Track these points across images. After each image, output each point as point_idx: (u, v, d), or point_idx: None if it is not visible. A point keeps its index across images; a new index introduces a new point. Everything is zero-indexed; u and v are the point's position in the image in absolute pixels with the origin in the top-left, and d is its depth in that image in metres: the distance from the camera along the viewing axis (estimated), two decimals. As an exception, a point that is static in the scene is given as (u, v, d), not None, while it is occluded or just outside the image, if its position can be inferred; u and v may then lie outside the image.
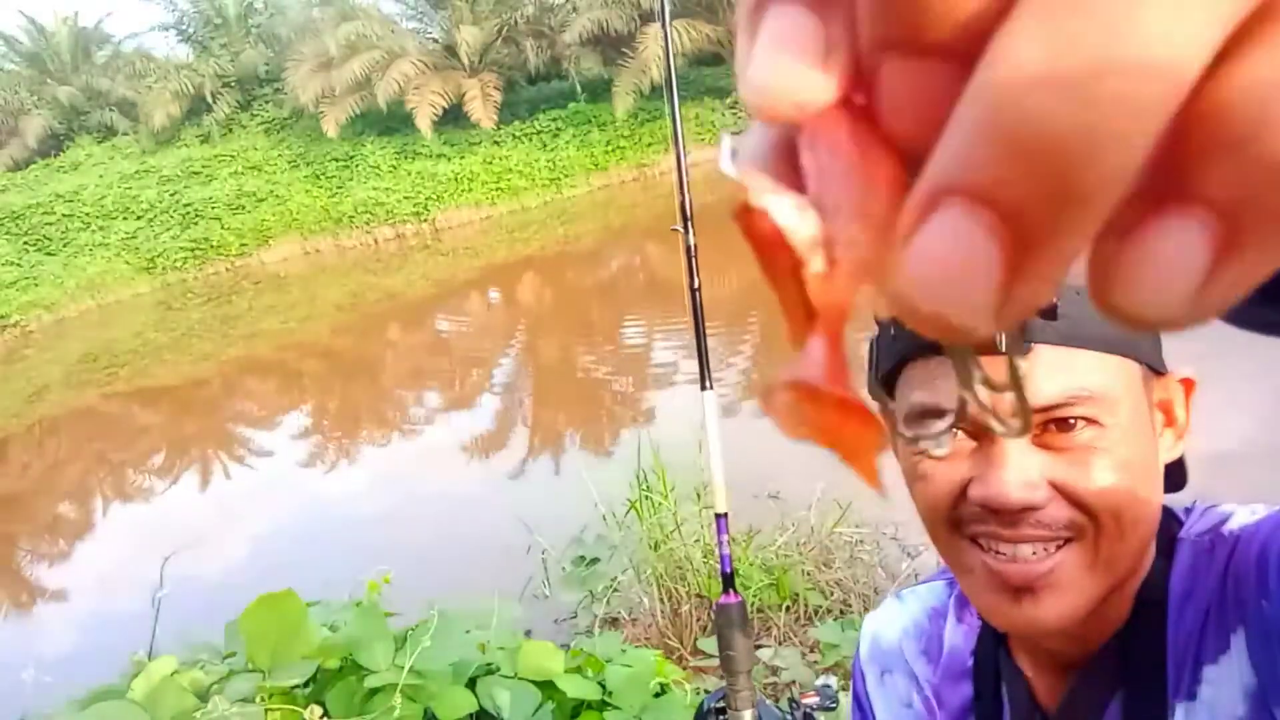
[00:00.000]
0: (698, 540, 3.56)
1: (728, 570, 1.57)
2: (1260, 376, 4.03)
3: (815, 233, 0.17)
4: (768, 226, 0.17)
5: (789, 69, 0.17)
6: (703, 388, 1.79)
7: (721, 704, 1.47)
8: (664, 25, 1.89)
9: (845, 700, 2.03)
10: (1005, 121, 0.13)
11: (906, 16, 0.15)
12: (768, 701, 1.48)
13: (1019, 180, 0.13)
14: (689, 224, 1.83)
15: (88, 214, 20.94)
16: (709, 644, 3.00)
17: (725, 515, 1.67)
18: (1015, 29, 0.13)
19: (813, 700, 1.37)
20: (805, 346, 0.18)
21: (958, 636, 0.74)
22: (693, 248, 1.81)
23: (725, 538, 1.62)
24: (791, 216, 0.17)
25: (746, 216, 0.18)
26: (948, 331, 0.15)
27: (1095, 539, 0.55)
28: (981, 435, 0.56)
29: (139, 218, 20.97)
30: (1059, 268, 0.15)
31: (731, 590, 1.53)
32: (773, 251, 0.17)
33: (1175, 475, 0.64)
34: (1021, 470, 0.54)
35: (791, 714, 1.40)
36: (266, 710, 1.66)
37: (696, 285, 1.80)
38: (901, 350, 0.60)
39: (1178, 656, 0.58)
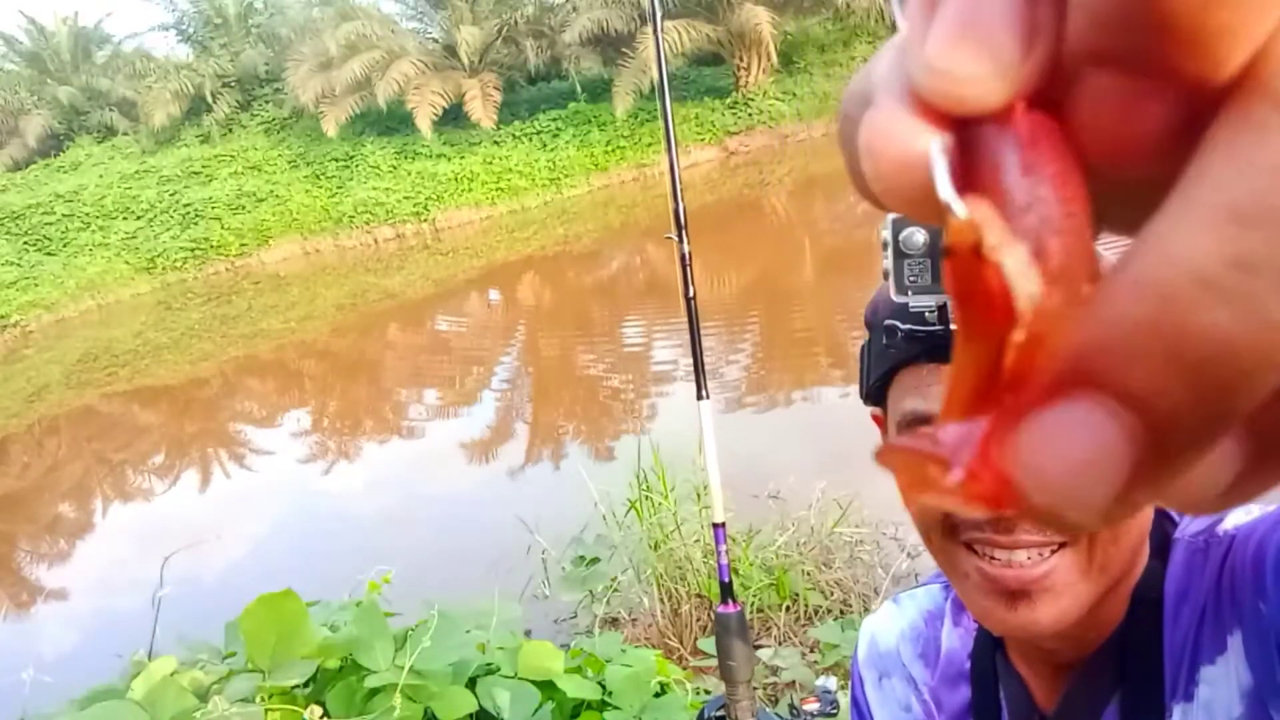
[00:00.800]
0: (698, 540, 3.56)
1: (726, 579, 1.57)
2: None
3: (1037, 292, 0.14)
4: (995, 281, 0.14)
5: (984, 49, 0.14)
6: (699, 397, 1.78)
7: (721, 712, 1.47)
8: (656, 34, 1.88)
9: (844, 701, 2.03)
10: (1174, 329, 0.12)
11: (1143, 32, 0.12)
12: (768, 710, 1.47)
13: (1177, 391, 0.12)
14: (683, 232, 1.83)
15: (88, 214, 20.93)
16: (709, 644, 3.00)
17: (723, 525, 1.66)
18: (1184, 222, 0.12)
19: (813, 706, 1.37)
20: (963, 421, 0.16)
21: (954, 640, 0.74)
22: (687, 256, 1.81)
23: (723, 547, 1.61)
24: (1024, 274, 0.14)
25: (972, 263, 0.14)
26: (1046, 520, 0.14)
27: (1089, 543, 0.55)
28: None
29: (139, 218, 20.95)
30: (1183, 474, 0.13)
31: (730, 599, 1.52)
32: (987, 309, 0.15)
33: None
34: None
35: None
36: (266, 710, 1.66)
37: (692, 294, 1.80)
38: (894, 358, 0.60)
39: (1174, 657, 0.58)
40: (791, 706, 1.38)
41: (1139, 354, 0.12)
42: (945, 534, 0.59)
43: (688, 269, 1.82)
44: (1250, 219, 0.11)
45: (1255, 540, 0.56)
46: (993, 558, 0.56)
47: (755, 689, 2.66)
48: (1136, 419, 0.13)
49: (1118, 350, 0.12)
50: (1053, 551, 0.55)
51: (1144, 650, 0.59)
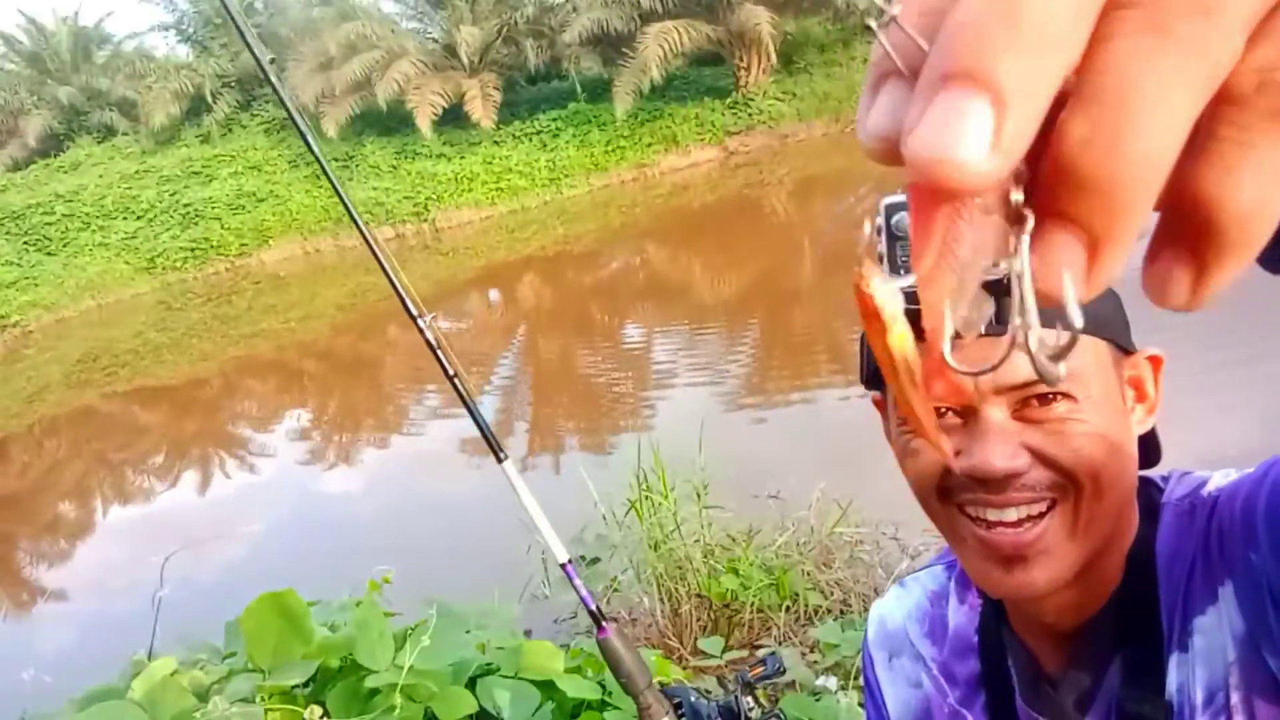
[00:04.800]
0: (698, 540, 3.56)
1: (591, 608, 1.60)
2: (1261, 382, 4.04)
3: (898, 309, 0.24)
4: (868, 303, 0.24)
5: (959, 145, 0.19)
6: (498, 460, 1.76)
7: None
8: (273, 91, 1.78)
9: (831, 688, 2.03)
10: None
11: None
12: (693, 699, 1.50)
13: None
14: (419, 320, 1.76)
15: (88, 214, 20.92)
16: (709, 644, 3.00)
17: (570, 562, 1.68)
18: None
19: (758, 672, 1.39)
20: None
21: (961, 616, 0.77)
22: (434, 341, 1.75)
23: (579, 582, 1.64)
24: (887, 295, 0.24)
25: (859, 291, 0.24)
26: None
27: (1076, 501, 0.59)
28: (967, 414, 0.60)
29: (139, 218, 20.94)
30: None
31: (601, 624, 1.56)
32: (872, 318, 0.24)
33: (1151, 452, 0.69)
34: (1003, 440, 0.58)
35: (734, 690, 1.42)
36: (266, 710, 1.66)
37: (453, 373, 1.76)
38: None
39: (1169, 612, 0.62)
40: (741, 681, 1.39)
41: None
42: (940, 497, 0.62)
43: (438, 352, 1.74)
44: None
45: (1242, 496, 0.60)
46: (986, 521, 0.60)
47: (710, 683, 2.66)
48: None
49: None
50: (1041, 514, 0.59)
51: (1141, 610, 0.63)
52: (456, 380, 1.71)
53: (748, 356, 7.56)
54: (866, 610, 3.15)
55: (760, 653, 1.33)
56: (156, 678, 1.77)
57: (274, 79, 1.70)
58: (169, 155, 22.71)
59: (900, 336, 0.24)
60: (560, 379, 8.37)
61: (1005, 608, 0.72)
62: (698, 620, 3.36)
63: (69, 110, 24.37)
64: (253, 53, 1.66)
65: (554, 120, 20.47)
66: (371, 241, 1.73)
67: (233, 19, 1.69)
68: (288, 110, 1.70)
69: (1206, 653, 0.59)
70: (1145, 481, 0.67)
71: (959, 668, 0.76)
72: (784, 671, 1.34)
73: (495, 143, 20.34)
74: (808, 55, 19.83)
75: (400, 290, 1.72)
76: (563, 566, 1.68)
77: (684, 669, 2.81)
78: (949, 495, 0.61)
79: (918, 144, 0.19)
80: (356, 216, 1.73)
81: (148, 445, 9.71)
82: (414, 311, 1.74)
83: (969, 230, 0.22)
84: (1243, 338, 4.33)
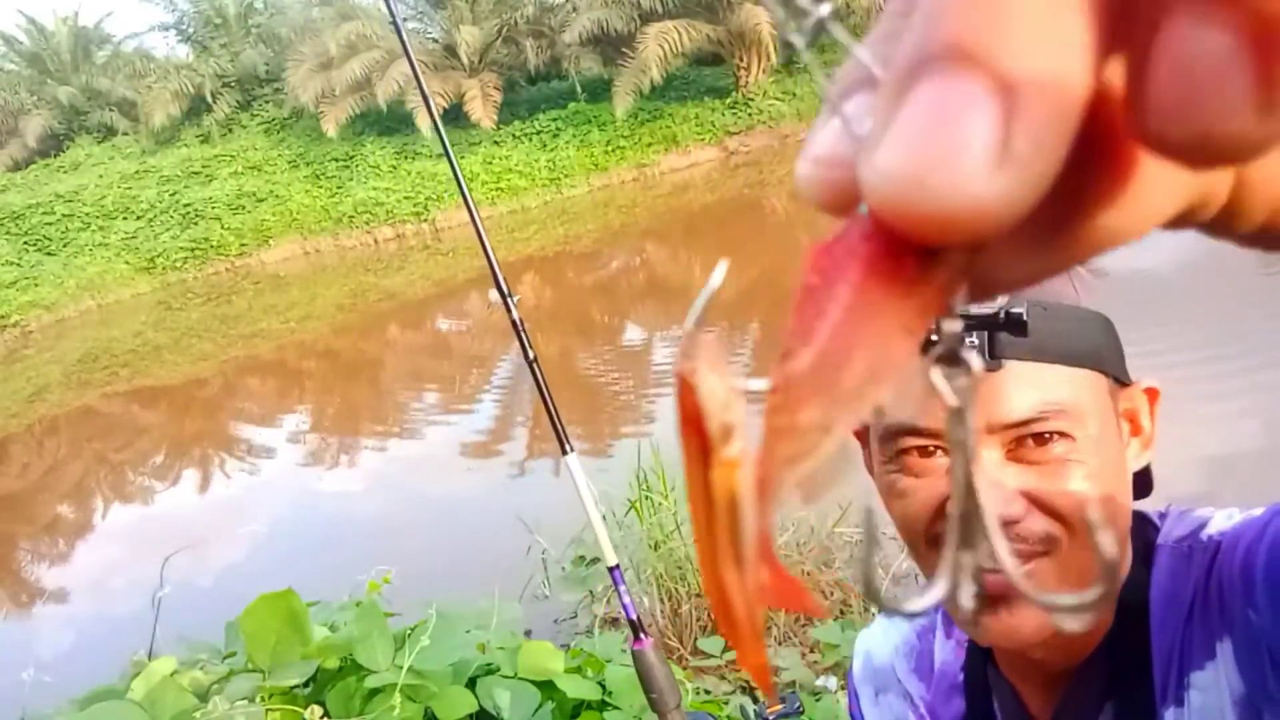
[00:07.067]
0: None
1: (632, 617, 1.55)
2: (1272, 387, 4.04)
3: (734, 422, 0.15)
4: (690, 402, 0.15)
5: (947, 159, 0.13)
6: (564, 452, 1.74)
7: None
8: (410, 54, 1.81)
9: (837, 706, 2.03)
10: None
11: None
12: None
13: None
14: (508, 300, 1.74)
15: (88, 214, 20.92)
16: (709, 644, 3.00)
17: (618, 567, 1.64)
18: None
19: (777, 709, 1.37)
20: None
21: (947, 652, 0.74)
22: (519, 322, 1.73)
23: (623, 588, 1.60)
24: (718, 399, 0.15)
25: (681, 386, 0.15)
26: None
27: (1069, 549, 0.55)
28: None
29: (139, 218, 20.94)
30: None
31: (641, 635, 1.51)
32: (689, 429, 0.15)
33: (1140, 483, 0.64)
34: (997, 485, 0.54)
35: None
36: (266, 710, 1.66)
37: (533, 357, 1.74)
38: None
39: (1163, 663, 0.58)
40: (760, 716, 1.37)
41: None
42: (929, 545, 0.59)
43: (521, 332, 1.73)
44: None
45: (1242, 548, 0.56)
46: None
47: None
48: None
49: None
50: (1033, 560, 0.55)
51: (1132, 657, 0.59)
52: (535, 365, 1.70)
53: (748, 356, 7.56)
54: (866, 610, 3.15)
55: (817, 685, 1.32)
56: (156, 678, 1.77)
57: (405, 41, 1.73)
58: (169, 155, 22.71)
59: (729, 470, 0.15)
60: (560, 379, 8.36)
61: (992, 647, 0.68)
62: (698, 620, 3.36)
63: (69, 110, 24.36)
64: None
65: (554, 120, 20.47)
66: (476, 218, 1.78)
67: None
68: (412, 68, 1.75)
69: (1203, 711, 0.56)
70: (1140, 518, 0.63)
71: (943, 708, 0.73)
72: (803, 711, 1.32)
73: (495, 143, 20.34)
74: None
75: (495, 268, 1.74)
76: (610, 571, 1.64)
77: (684, 669, 2.81)
78: (937, 544, 0.57)
79: (879, 160, 0.13)
80: (466, 190, 1.82)
81: (148, 445, 9.71)
82: (505, 289, 1.73)
83: (872, 341, 0.14)
84: (1251, 345, 4.36)
